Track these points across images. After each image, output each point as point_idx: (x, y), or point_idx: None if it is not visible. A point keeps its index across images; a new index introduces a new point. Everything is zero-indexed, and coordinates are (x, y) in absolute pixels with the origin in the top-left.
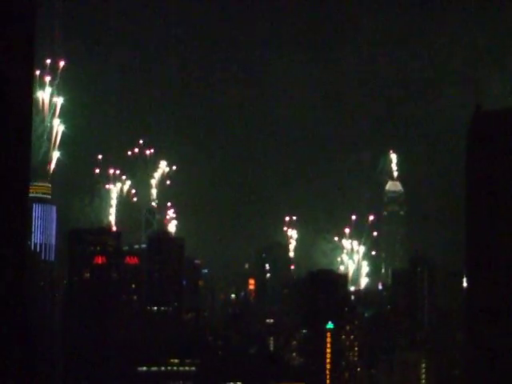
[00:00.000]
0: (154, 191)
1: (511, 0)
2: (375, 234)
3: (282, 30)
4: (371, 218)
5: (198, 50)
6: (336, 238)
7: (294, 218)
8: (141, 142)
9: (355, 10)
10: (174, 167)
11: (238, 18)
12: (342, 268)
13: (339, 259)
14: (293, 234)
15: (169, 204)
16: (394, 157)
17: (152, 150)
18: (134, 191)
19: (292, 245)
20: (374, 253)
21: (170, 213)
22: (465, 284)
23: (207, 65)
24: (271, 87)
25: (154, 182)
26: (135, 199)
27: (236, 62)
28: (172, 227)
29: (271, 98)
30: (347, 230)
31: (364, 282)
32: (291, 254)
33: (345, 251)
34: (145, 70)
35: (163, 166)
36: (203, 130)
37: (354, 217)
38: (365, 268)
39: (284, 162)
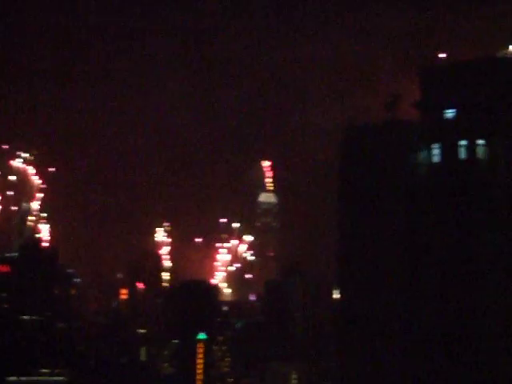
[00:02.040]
0: (29, 199)
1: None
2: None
3: None
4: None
5: None
6: (209, 248)
7: (168, 226)
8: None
9: None
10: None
11: None
12: (214, 278)
13: (212, 269)
14: (166, 242)
15: (43, 213)
16: (267, 168)
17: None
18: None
19: (166, 254)
20: (248, 263)
21: (43, 221)
22: (336, 295)
23: None
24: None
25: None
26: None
27: None
28: (45, 235)
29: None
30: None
31: (236, 292)
32: (165, 263)
33: (218, 261)
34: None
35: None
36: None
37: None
38: (238, 278)
39: (157, 169)
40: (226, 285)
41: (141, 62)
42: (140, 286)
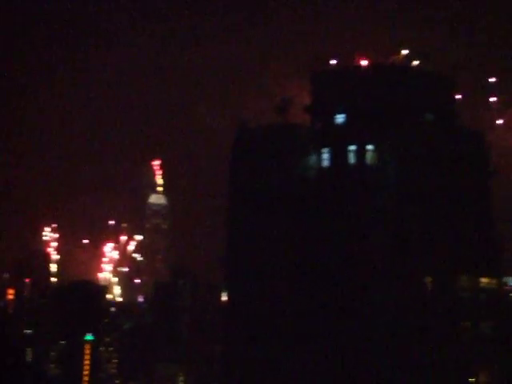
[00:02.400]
0: None
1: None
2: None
3: None
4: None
5: None
6: (97, 249)
7: (55, 226)
8: None
9: None
10: None
11: None
12: (101, 279)
13: (100, 270)
14: (53, 242)
15: None
16: (157, 167)
17: None
18: None
19: (53, 253)
20: (136, 264)
21: None
22: (224, 297)
23: None
24: None
25: None
26: None
27: None
28: None
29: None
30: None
31: (125, 293)
32: (52, 263)
33: (106, 259)
34: None
35: None
36: None
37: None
38: (127, 280)
39: (43, 167)
40: (114, 286)
41: None
42: (27, 285)
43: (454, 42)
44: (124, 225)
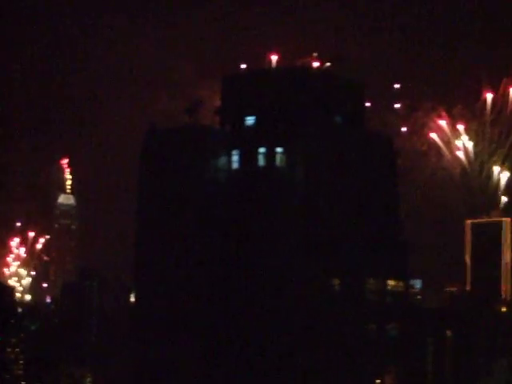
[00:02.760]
0: None
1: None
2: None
3: None
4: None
5: None
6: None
7: None
8: None
9: None
10: None
11: None
12: (7, 276)
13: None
14: None
15: None
16: (65, 165)
17: None
18: None
19: None
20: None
21: None
22: (132, 298)
23: None
24: None
25: None
26: None
27: None
28: None
29: None
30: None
31: (32, 293)
32: None
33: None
34: None
35: None
36: None
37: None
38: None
39: None
40: (21, 285)
41: None
42: None
43: (366, 49)
44: (31, 226)
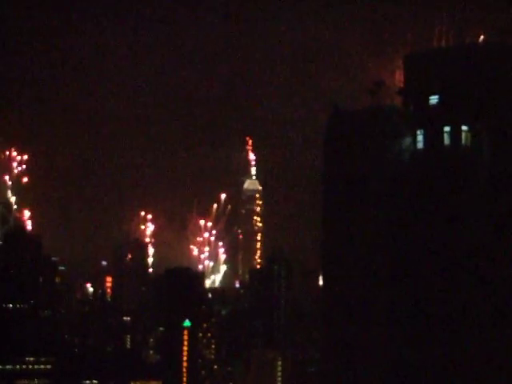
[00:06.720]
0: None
1: None
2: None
3: None
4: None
5: None
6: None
7: (149, 215)
8: None
9: None
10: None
11: None
12: (199, 265)
13: (197, 256)
14: (150, 230)
15: (26, 200)
16: (252, 155)
17: None
18: None
19: (150, 241)
20: (232, 250)
21: (27, 209)
22: (321, 282)
23: None
24: None
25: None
26: None
27: None
28: (29, 223)
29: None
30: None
31: (221, 279)
32: (149, 251)
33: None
34: None
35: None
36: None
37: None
38: (222, 266)
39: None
40: (210, 272)
41: None
42: (125, 273)
43: None
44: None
